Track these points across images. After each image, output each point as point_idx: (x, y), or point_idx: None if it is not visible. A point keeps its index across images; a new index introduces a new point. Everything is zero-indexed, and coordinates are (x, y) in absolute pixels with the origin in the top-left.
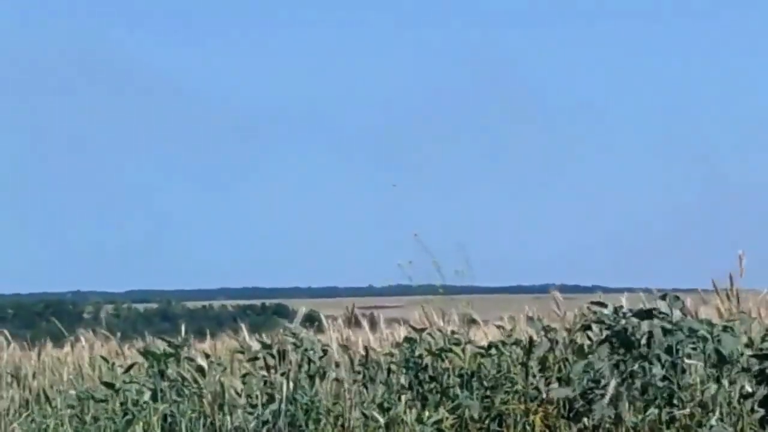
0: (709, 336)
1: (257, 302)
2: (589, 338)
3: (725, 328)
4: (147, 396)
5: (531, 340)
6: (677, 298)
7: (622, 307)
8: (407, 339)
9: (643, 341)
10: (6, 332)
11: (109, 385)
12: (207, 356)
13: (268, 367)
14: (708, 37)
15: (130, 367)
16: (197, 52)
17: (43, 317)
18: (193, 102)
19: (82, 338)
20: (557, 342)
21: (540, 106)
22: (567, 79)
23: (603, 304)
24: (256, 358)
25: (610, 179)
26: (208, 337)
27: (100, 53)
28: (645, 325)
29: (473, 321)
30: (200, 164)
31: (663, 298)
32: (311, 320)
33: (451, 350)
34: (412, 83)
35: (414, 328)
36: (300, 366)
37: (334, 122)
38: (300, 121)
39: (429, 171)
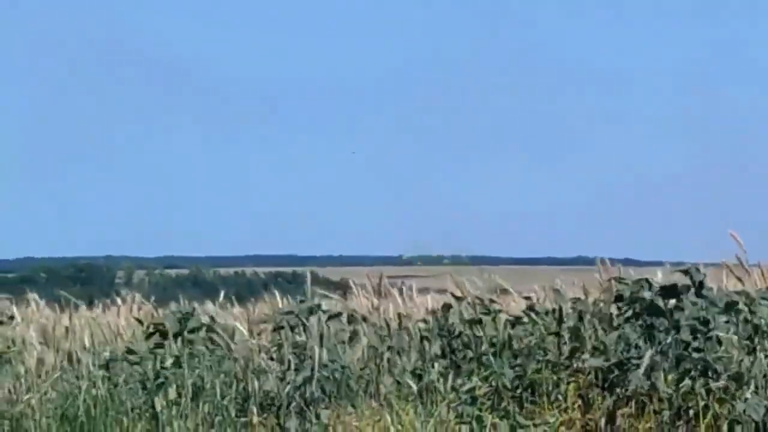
0: (745, 308)
1: (288, 269)
2: (619, 309)
3: (761, 300)
4: (171, 361)
5: (561, 310)
6: (698, 270)
7: (658, 286)
8: (444, 306)
9: (677, 313)
10: (36, 296)
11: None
12: (235, 320)
13: (295, 333)
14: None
15: (156, 330)
16: (213, 25)
17: (75, 281)
18: (220, 70)
19: (118, 300)
20: (586, 313)
21: (561, 72)
22: (588, 44)
23: (625, 282)
24: (280, 328)
25: (642, 150)
26: (235, 302)
27: (115, 26)
28: (678, 298)
29: (504, 291)
30: (233, 131)
31: (685, 272)
32: (343, 287)
33: (482, 319)
34: (433, 54)
35: (453, 295)
36: (327, 332)
37: (361, 90)
38: (329, 89)
39: (457, 142)
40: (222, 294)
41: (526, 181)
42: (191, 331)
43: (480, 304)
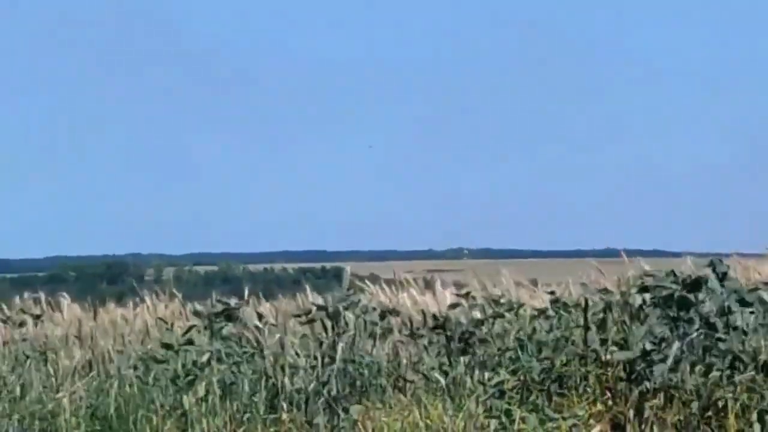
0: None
1: (317, 265)
2: (645, 301)
3: None
4: (207, 357)
5: (586, 302)
6: (721, 261)
7: (679, 275)
8: (460, 303)
9: (701, 305)
10: (66, 294)
11: (170, 347)
12: (261, 317)
13: (326, 329)
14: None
15: (190, 328)
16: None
17: (105, 279)
18: (250, 63)
19: (143, 299)
20: (613, 304)
21: (590, 66)
22: (614, 36)
23: (653, 274)
24: (312, 321)
25: (671, 141)
26: (263, 298)
27: (149, 15)
28: (703, 290)
29: (531, 284)
30: (261, 127)
31: (710, 264)
32: (372, 283)
33: (509, 312)
34: (455, 55)
35: (459, 295)
36: (357, 327)
37: (390, 84)
38: (355, 84)
39: (486, 136)
40: (247, 290)
41: (554, 174)
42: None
43: (494, 300)
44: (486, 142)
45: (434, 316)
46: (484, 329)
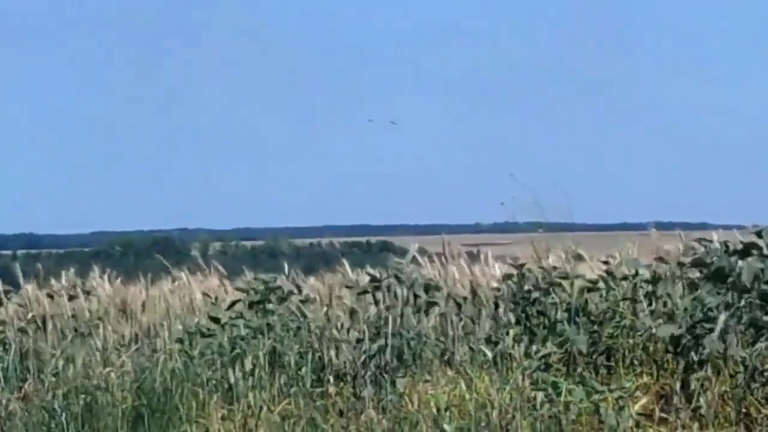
0: None
1: (363, 239)
2: (701, 272)
3: None
4: (248, 331)
5: (637, 273)
6: None
7: (725, 243)
8: (513, 274)
9: (744, 277)
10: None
11: (216, 320)
12: (300, 290)
13: (376, 302)
14: None
15: (234, 302)
16: None
17: (150, 254)
18: (295, 35)
19: (187, 274)
20: (663, 277)
21: (635, 33)
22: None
23: (708, 240)
24: (365, 292)
25: (717, 109)
26: (308, 273)
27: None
28: (743, 261)
29: (579, 257)
30: (307, 100)
31: (758, 234)
32: (420, 255)
33: (559, 284)
34: (504, 23)
35: (515, 266)
36: (406, 301)
37: (437, 59)
38: (404, 57)
39: (528, 107)
40: (287, 266)
41: (600, 146)
42: (272, 301)
43: (553, 269)
44: (530, 113)
45: (503, 285)
46: (536, 301)
